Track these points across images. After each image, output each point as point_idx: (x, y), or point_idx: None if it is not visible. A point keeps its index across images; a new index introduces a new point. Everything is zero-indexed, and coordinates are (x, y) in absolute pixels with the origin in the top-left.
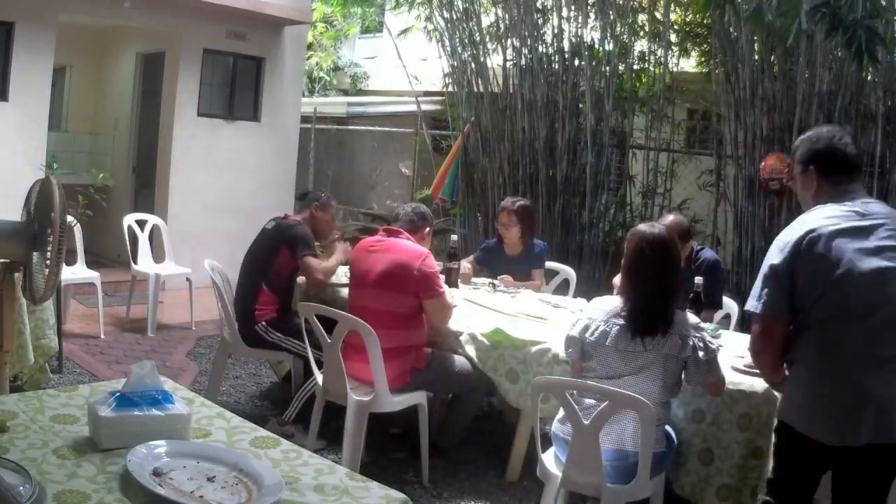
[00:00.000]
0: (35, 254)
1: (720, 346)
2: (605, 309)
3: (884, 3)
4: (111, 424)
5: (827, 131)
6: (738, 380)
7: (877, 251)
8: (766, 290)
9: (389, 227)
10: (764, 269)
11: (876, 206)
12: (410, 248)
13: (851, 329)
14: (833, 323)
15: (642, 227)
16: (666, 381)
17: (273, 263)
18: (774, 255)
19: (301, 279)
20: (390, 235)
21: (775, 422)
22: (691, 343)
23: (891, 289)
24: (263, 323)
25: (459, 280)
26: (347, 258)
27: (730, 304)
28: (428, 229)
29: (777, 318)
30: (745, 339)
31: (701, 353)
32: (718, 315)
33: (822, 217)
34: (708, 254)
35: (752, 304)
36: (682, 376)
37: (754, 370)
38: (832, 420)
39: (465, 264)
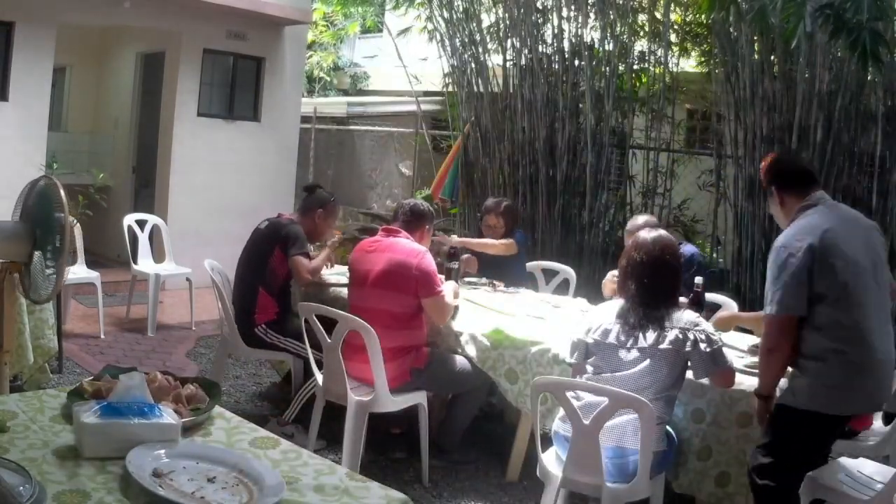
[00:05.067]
0: (36, 253)
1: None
2: (608, 311)
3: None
4: (94, 431)
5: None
6: (738, 379)
7: (865, 247)
8: (781, 292)
9: (388, 226)
10: (775, 272)
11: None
12: (408, 247)
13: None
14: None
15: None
16: (669, 373)
17: (267, 264)
18: (785, 256)
19: None
20: (389, 235)
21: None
22: (692, 337)
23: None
24: (263, 325)
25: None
26: (344, 256)
27: (729, 304)
28: (427, 226)
29: (792, 317)
30: (745, 338)
31: (703, 346)
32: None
33: (825, 220)
34: (687, 249)
35: (771, 308)
36: (689, 372)
37: (754, 370)
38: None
39: (491, 240)
